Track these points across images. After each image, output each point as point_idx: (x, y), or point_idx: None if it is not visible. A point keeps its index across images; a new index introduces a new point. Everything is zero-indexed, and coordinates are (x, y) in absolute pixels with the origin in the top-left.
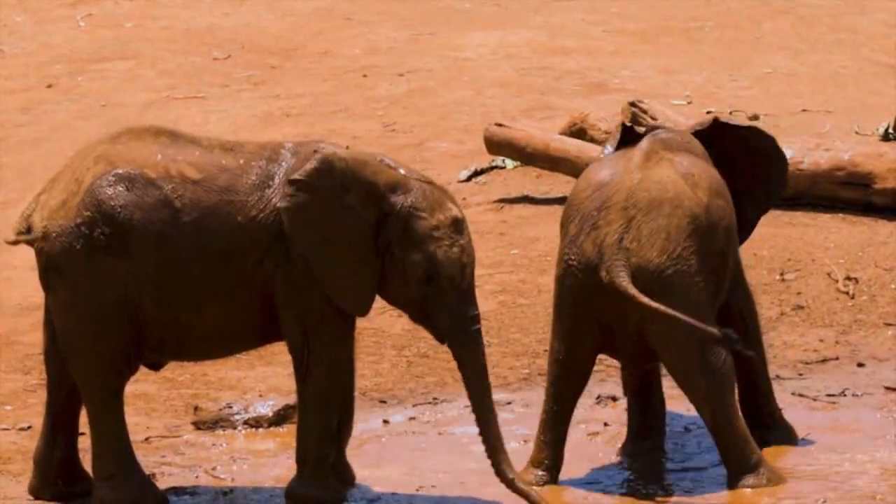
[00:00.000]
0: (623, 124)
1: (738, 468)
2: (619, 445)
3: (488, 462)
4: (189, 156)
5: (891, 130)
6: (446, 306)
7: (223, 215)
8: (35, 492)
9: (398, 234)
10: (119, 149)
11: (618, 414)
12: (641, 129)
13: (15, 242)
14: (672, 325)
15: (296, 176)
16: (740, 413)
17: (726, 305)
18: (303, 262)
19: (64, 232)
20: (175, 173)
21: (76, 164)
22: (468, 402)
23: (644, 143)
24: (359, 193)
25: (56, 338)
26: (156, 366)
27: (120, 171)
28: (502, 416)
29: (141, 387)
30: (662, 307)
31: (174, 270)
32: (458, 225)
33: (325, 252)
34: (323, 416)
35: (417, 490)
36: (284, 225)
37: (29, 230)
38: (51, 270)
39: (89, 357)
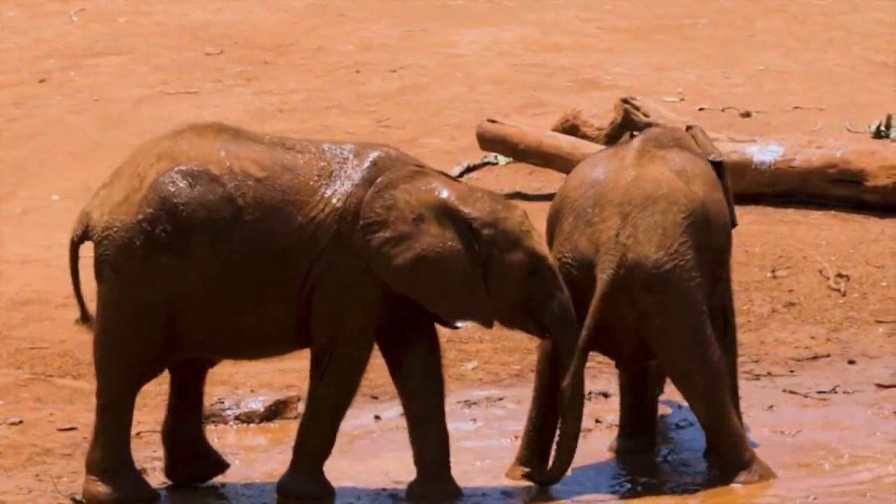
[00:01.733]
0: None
1: (731, 465)
2: (610, 442)
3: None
4: (252, 153)
5: (883, 128)
6: (551, 296)
7: (284, 215)
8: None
9: (492, 242)
10: (182, 145)
11: (608, 411)
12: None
13: (78, 239)
14: (669, 323)
15: (369, 219)
16: (734, 410)
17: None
18: (349, 271)
19: (125, 227)
20: (238, 170)
21: (138, 160)
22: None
23: (636, 142)
24: (432, 217)
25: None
26: (210, 362)
27: (183, 167)
28: (493, 412)
29: None
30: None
31: (231, 269)
32: (528, 219)
33: (429, 284)
34: (331, 417)
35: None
36: (371, 265)
37: (88, 225)
38: (106, 266)
39: (118, 354)
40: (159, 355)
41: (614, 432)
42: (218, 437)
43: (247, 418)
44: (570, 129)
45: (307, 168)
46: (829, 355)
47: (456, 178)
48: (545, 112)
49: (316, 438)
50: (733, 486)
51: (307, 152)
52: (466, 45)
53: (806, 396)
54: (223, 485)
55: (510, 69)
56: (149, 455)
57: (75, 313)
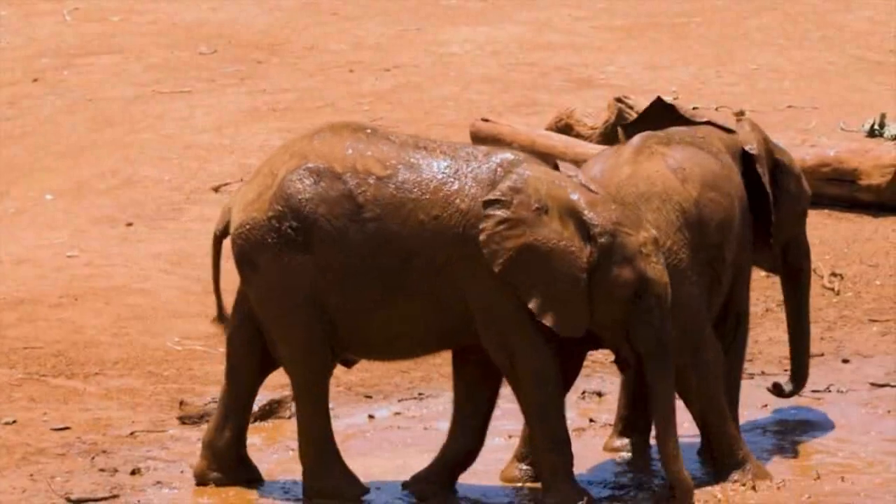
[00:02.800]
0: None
1: (725, 464)
2: (605, 440)
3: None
4: (378, 152)
5: (876, 127)
6: (650, 325)
7: (405, 213)
8: (201, 476)
9: (605, 252)
10: (315, 144)
11: (603, 409)
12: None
13: (220, 234)
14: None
15: (493, 196)
16: (727, 410)
17: (728, 303)
18: (489, 267)
19: (256, 225)
20: (361, 168)
21: (275, 158)
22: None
23: (636, 139)
24: (557, 212)
25: (241, 324)
26: (348, 363)
27: (310, 165)
28: None
29: (126, 381)
30: None
31: (355, 266)
32: (657, 244)
33: (531, 273)
34: (548, 423)
35: (403, 486)
36: (481, 241)
37: (229, 221)
38: (244, 262)
39: (288, 347)
40: (325, 347)
41: (608, 431)
42: None
43: None
44: (564, 128)
45: (432, 167)
46: (822, 354)
47: (592, 189)
48: (539, 111)
49: (544, 448)
50: (728, 485)
51: (437, 151)
52: (460, 44)
53: (800, 395)
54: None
55: (503, 68)
56: (143, 455)
57: (69, 312)
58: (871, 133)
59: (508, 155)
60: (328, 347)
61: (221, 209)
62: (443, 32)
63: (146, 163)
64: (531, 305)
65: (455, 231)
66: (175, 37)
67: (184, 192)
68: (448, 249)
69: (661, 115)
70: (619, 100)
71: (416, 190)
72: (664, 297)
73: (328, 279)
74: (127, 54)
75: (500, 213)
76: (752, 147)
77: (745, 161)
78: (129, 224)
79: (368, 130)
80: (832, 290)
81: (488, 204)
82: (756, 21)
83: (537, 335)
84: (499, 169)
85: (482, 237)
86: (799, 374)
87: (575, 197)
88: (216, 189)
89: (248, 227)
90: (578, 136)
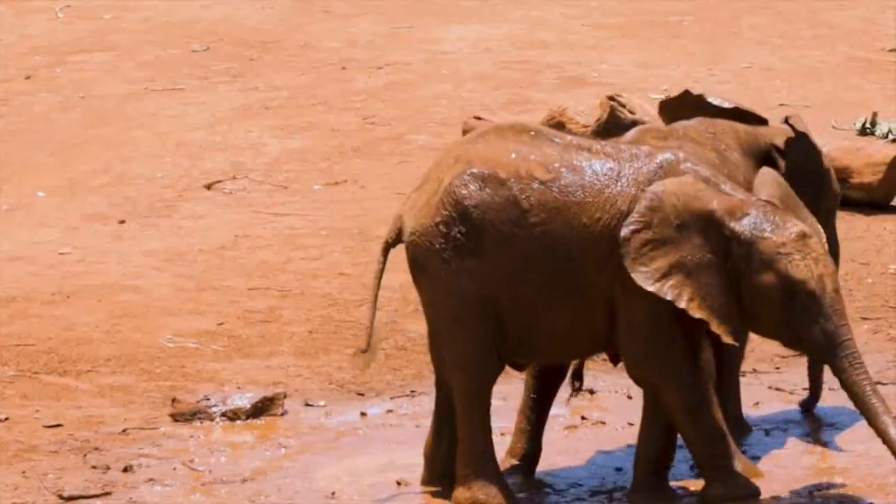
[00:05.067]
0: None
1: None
2: (599, 438)
3: None
4: (542, 155)
5: (868, 125)
6: (811, 322)
7: (568, 216)
8: (427, 485)
9: (745, 260)
10: (479, 148)
11: (595, 408)
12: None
13: (392, 242)
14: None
15: (633, 219)
16: (718, 408)
17: None
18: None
19: (426, 231)
20: (524, 173)
21: (442, 162)
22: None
23: (631, 133)
24: (697, 226)
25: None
26: (519, 366)
27: (475, 170)
28: None
29: (118, 378)
30: None
31: (523, 271)
32: (805, 238)
33: (682, 290)
34: (699, 425)
35: (397, 483)
36: (627, 263)
37: (401, 229)
38: (416, 268)
39: (454, 352)
40: (490, 353)
41: (601, 429)
42: (204, 433)
43: (233, 415)
44: (556, 126)
45: (595, 169)
46: None
47: (735, 191)
48: (531, 109)
49: (698, 448)
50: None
51: (600, 153)
52: (452, 42)
53: (792, 393)
54: (211, 481)
55: (496, 66)
56: (135, 452)
57: (61, 310)
58: (863, 131)
59: (667, 156)
60: (495, 354)
61: (392, 218)
62: (435, 30)
63: (139, 160)
64: (695, 315)
65: (615, 233)
66: (167, 34)
67: (176, 189)
68: (608, 251)
69: (691, 107)
70: (611, 98)
71: (577, 193)
72: (819, 292)
73: (496, 284)
74: (119, 52)
75: (643, 235)
76: (780, 141)
77: (779, 154)
78: (122, 221)
79: (532, 133)
80: None
81: (630, 227)
82: (748, 20)
83: (684, 339)
84: (658, 171)
85: (627, 262)
86: (817, 385)
87: (713, 207)
88: (209, 186)
89: (418, 233)
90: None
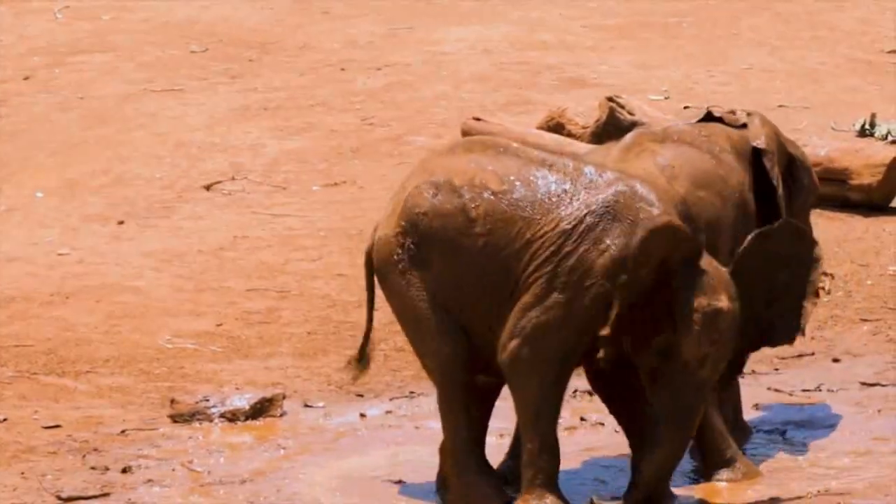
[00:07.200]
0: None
1: (714, 463)
2: (598, 439)
3: None
4: (500, 166)
5: (867, 127)
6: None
7: (514, 230)
8: None
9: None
10: (443, 158)
11: (593, 409)
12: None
13: (370, 254)
14: None
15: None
16: (717, 408)
17: None
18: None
19: (386, 240)
20: (478, 182)
21: (410, 173)
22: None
23: (627, 137)
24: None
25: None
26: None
27: (433, 178)
28: None
29: (117, 379)
30: None
31: (468, 283)
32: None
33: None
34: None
35: (396, 483)
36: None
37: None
38: (379, 279)
39: (423, 361)
40: (458, 364)
41: (599, 430)
42: (203, 434)
43: (232, 416)
44: (555, 127)
45: (550, 188)
46: (813, 353)
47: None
48: (530, 110)
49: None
50: (716, 484)
51: (561, 172)
52: (451, 43)
53: (791, 395)
54: (209, 482)
55: (495, 67)
56: (133, 453)
57: (60, 310)
58: (862, 133)
59: (627, 189)
60: (461, 362)
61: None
62: (435, 31)
63: (138, 161)
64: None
65: (559, 250)
66: (167, 35)
67: (175, 190)
68: (553, 266)
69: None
70: (610, 99)
71: (525, 207)
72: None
73: (447, 295)
74: (118, 53)
75: (625, 276)
76: (760, 142)
77: (756, 157)
78: (121, 222)
79: (500, 146)
80: (823, 289)
81: (615, 264)
82: (748, 21)
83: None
84: (614, 203)
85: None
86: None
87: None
88: (207, 187)
89: (381, 241)
90: (570, 135)
